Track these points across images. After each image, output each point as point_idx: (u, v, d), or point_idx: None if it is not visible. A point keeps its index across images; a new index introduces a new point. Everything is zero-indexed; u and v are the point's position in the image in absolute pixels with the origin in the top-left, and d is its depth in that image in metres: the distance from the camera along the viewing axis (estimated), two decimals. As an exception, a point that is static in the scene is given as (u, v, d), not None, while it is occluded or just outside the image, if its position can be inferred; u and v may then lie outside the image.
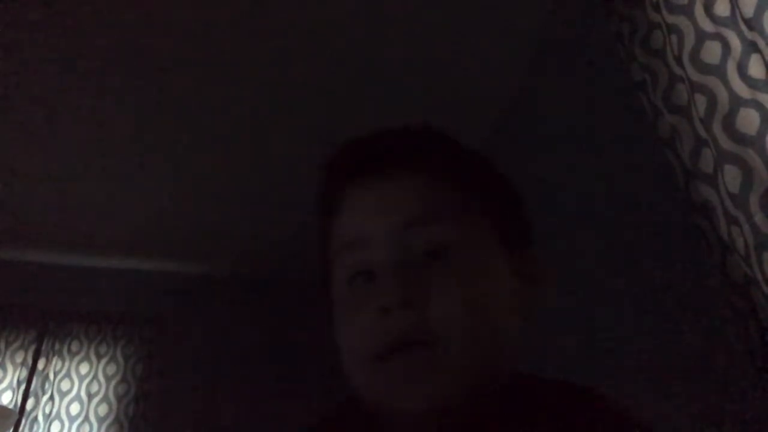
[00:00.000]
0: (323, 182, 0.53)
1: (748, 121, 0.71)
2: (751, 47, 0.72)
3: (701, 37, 0.79)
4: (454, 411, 0.43)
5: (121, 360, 2.93)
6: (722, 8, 0.77)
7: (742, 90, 0.73)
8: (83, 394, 2.83)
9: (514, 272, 0.49)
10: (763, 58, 0.71)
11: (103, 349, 2.95)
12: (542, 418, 0.44)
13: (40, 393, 2.80)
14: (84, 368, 2.90)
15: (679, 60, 0.83)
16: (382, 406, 0.45)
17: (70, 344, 2.94)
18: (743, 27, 0.73)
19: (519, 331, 0.48)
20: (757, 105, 0.71)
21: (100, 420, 2.78)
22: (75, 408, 2.80)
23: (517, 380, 0.47)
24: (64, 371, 2.87)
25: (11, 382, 2.81)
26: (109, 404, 2.81)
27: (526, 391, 0.47)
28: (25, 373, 2.83)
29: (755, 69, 0.72)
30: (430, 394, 0.42)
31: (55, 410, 2.78)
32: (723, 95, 0.75)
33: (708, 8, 0.79)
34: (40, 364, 2.86)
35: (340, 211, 0.51)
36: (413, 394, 0.42)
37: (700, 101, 0.78)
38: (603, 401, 0.46)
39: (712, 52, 0.78)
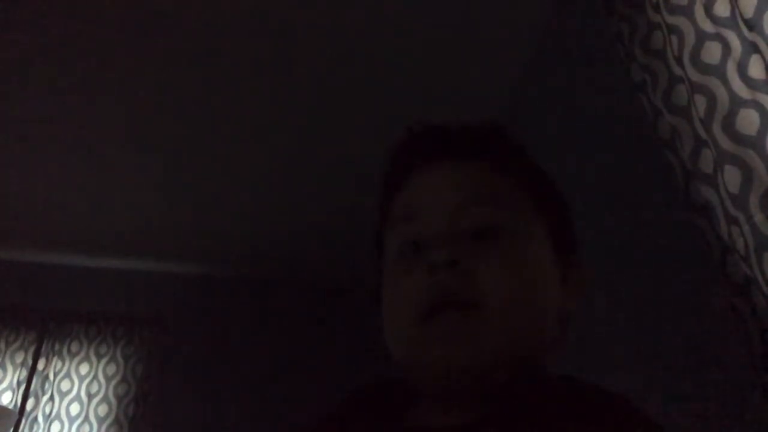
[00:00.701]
0: (390, 161, 0.57)
1: (748, 121, 0.71)
2: (751, 48, 0.72)
3: (701, 37, 0.79)
4: (491, 376, 0.44)
5: (121, 360, 2.93)
6: (722, 9, 0.77)
7: (742, 90, 0.73)
8: (83, 394, 2.83)
9: (558, 271, 0.51)
10: (763, 58, 0.71)
11: (103, 349, 2.95)
12: (570, 415, 0.44)
13: (40, 393, 2.80)
14: (84, 368, 2.90)
15: (679, 60, 0.83)
16: (421, 362, 0.46)
17: (70, 344, 2.94)
18: (743, 27, 0.74)
19: (555, 323, 0.50)
20: (757, 105, 0.71)
21: (100, 420, 2.78)
22: (75, 408, 2.80)
23: (551, 377, 0.48)
24: (64, 371, 2.87)
25: (11, 382, 2.81)
26: (109, 404, 2.81)
27: (558, 387, 0.47)
28: (25, 373, 2.83)
29: (755, 69, 0.72)
30: (471, 353, 0.43)
31: (55, 410, 2.78)
32: (723, 96, 0.75)
33: (708, 9, 0.79)
34: (40, 365, 2.86)
35: (402, 188, 0.54)
36: (454, 351, 0.44)
37: (700, 102, 0.78)
38: (633, 413, 0.45)
39: (712, 52, 0.78)
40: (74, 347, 2.94)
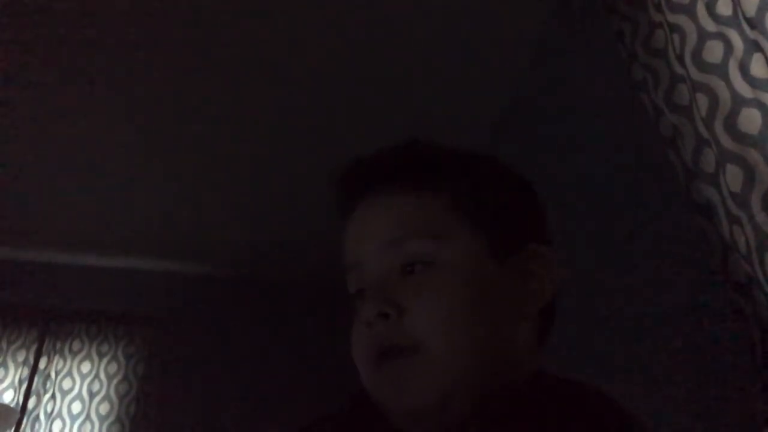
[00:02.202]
0: (331, 205, 0.58)
1: (750, 120, 0.71)
2: (753, 46, 0.72)
3: (703, 36, 0.79)
4: (442, 411, 0.45)
5: (122, 359, 2.93)
6: (724, 7, 0.77)
7: (744, 89, 0.73)
8: (85, 393, 2.83)
9: (509, 277, 0.50)
10: (765, 57, 0.71)
11: (104, 348, 2.95)
12: (547, 420, 0.45)
13: (41, 392, 2.81)
14: (85, 367, 2.90)
15: (680, 59, 0.83)
16: (380, 404, 0.48)
17: (71, 343, 2.94)
18: (745, 26, 0.73)
19: (522, 336, 0.50)
20: (759, 104, 0.70)
21: (102, 419, 2.78)
22: (76, 407, 2.80)
23: (530, 383, 0.48)
24: (65, 370, 2.88)
25: (13, 380, 2.82)
26: (111, 403, 2.82)
27: (534, 394, 0.47)
28: (26, 372, 2.83)
29: (757, 68, 0.71)
30: (421, 397, 0.45)
31: (56, 409, 2.78)
32: (725, 95, 0.75)
33: (710, 7, 0.78)
34: (42, 363, 2.87)
35: (344, 233, 0.55)
36: (400, 395, 0.45)
37: (702, 101, 0.78)
38: (606, 403, 0.47)
39: (714, 51, 0.77)
40: (76, 346, 2.94)
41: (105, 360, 2.92)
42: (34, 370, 2.84)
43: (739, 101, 0.73)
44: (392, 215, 0.51)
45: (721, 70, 0.76)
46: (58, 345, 2.93)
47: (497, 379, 0.47)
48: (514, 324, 0.50)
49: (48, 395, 2.81)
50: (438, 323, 0.46)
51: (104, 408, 2.81)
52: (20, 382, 2.81)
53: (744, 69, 0.73)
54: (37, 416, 2.76)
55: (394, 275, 0.49)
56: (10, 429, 2.52)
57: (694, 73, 0.79)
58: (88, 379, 2.87)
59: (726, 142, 0.74)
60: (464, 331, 0.46)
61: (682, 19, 0.83)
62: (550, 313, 0.53)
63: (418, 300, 0.47)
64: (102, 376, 2.88)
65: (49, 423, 2.75)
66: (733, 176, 0.72)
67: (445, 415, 0.45)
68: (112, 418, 2.79)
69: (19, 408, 2.73)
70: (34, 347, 2.89)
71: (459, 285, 0.48)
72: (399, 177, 0.52)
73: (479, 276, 0.49)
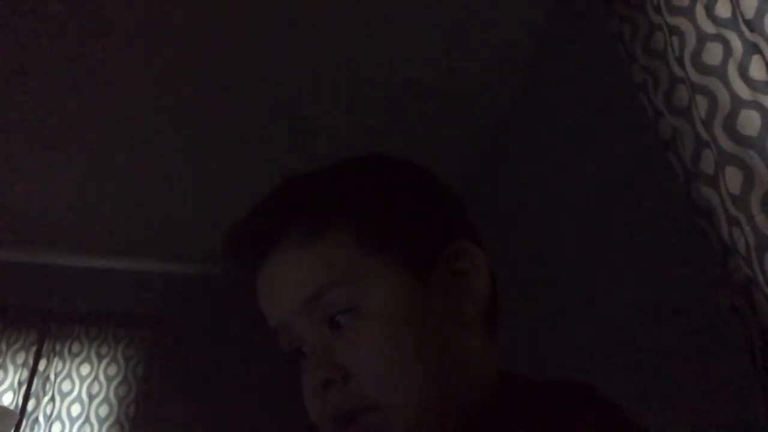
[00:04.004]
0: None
1: (749, 122, 0.71)
2: (752, 48, 0.73)
3: (702, 38, 0.80)
4: None
5: (122, 361, 2.93)
6: (723, 10, 0.77)
7: (743, 91, 0.73)
8: (84, 395, 2.83)
9: (437, 292, 0.48)
10: (764, 59, 0.71)
11: (104, 350, 2.95)
12: (530, 422, 0.44)
13: (41, 394, 2.81)
14: (85, 369, 2.90)
15: (680, 61, 0.83)
16: None
17: (71, 345, 2.94)
18: (744, 28, 0.74)
19: (471, 343, 0.48)
20: (758, 106, 0.71)
21: (101, 421, 2.78)
22: (76, 409, 2.80)
23: (500, 393, 0.47)
24: (65, 372, 2.87)
25: (12, 383, 2.81)
26: (110, 405, 2.81)
27: (509, 402, 0.46)
28: (26, 374, 2.83)
29: (756, 70, 0.72)
30: None
31: (56, 411, 2.78)
32: (724, 96, 0.75)
33: (709, 10, 0.79)
34: (41, 365, 2.86)
35: (259, 302, 0.52)
36: None
37: (701, 102, 0.78)
38: (595, 399, 0.46)
39: (713, 53, 0.78)
40: (75, 348, 2.94)
41: (104, 362, 2.92)
42: (33, 372, 2.83)
43: (738, 103, 0.73)
44: (299, 272, 0.47)
45: (721, 72, 0.76)
46: (58, 347, 2.92)
47: (464, 399, 0.46)
48: (459, 337, 0.47)
49: (47, 397, 2.80)
50: (385, 379, 0.44)
51: (104, 410, 2.80)
52: (20, 384, 2.80)
53: (743, 71, 0.73)
54: (37, 418, 2.75)
55: (325, 333, 0.46)
56: (10, 431, 2.52)
57: (694, 75, 0.80)
58: (88, 381, 2.87)
59: (725, 143, 0.74)
60: (414, 375, 0.44)
61: (681, 21, 0.83)
62: (492, 303, 0.50)
63: (358, 360, 0.44)
64: (101, 377, 2.87)
65: (48, 425, 2.74)
66: (732, 178, 0.73)
67: None
68: (111, 420, 2.78)
69: (18, 410, 2.72)
70: (33, 349, 2.88)
71: (392, 329, 0.45)
72: (291, 230, 0.48)
73: (408, 308, 0.46)
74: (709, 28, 0.79)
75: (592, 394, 0.46)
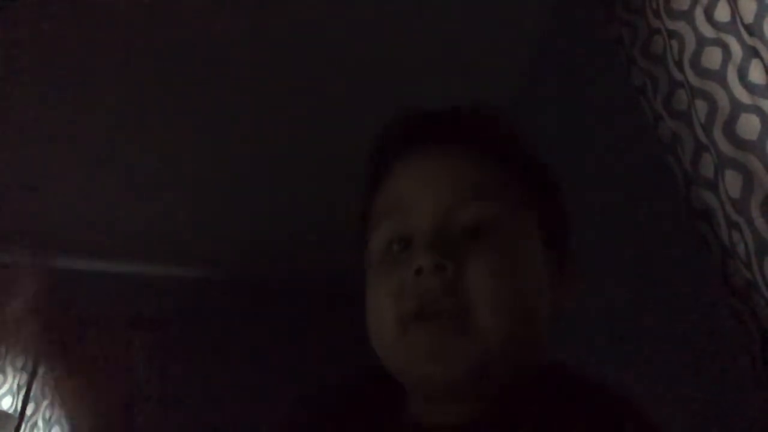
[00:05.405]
0: (374, 149, 0.55)
1: (749, 126, 0.72)
2: (752, 52, 0.73)
3: (702, 42, 0.80)
4: (481, 386, 0.43)
5: (121, 364, 2.92)
6: (722, 14, 0.78)
7: (742, 95, 0.73)
8: (83, 398, 2.82)
9: (550, 269, 0.49)
10: (763, 63, 0.71)
11: (103, 352, 2.94)
12: (570, 417, 0.43)
13: (40, 398, 2.80)
14: (84, 372, 2.89)
15: (679, 65, 0.83)
16: (403, 372, 0.45)
17: (70, 348, 2.93)
18: (743, 32, 0.74)
19: (548, 322, 0.48)
20: (758, 110, 0.71)
21: (101, 424, 2.77)
22: (75, 412, 2.79)
23: (549, 372, 0.47)
24: (64, 375, 2.86)
25: (11, 386, 2.80)
26: (110, 408, 2.80)
27: (556, 386, 0.46)
28: (25, 377, 2.82)
29: (755, 74, 0.72)
30: (453, 372, 0.42)
31: (55, 415, 2.77)
32: (723, 100, 0.75)
33: (708, 14, 0.79)
34: (41, 369, 2.85)
35: (390, 177, 0.50)
36: (435, 369, 0.42)
37: (701, 106, 0.78)
38: (634, 415, 0.45)
39: (712, 57, 0.78)
40: (74, 351, 2.93)
41: (104, 365, 2.91)
42: (32, 376, 2.83)
43: (737, 107, 0.73)
44: (464, 168, 0.48)
45: (720, 76, 0.77)
46: (57, 350, 2.91)
47: (528, 360, 0.46)
48: (546, 318, 0.48)
49: (46, 401, 2.79)
50: (494, 292, 0.42)
51: (103, 413, 2.79)
52: (19, 388, 2.80)
53: (742, 75, 0.73)
54: (36, 422, 2.74)
55: (456, 235, 0.45)
56: (9, 435, 2.51)
57: (693, 79, 0.80)
58: (87, 384, 2.86)
59: (725, 147, 0.74)
60: (516, 304, 0.44)
61: (680, 25, 0.83)
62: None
63: (480, 263, 0.43)
64: (101, 380, 2.86)
65: (47, 429, 2.73)
66: (732, 182, 0.73)
67: (476, 389, 0.43)
68: (111, 423, 2.77)
69: (17, 414, 2.71)
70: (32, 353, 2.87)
71: (520, 261, 0.46)
72: (466, 137, 0.50)
73: (534, 257, 0.48)
74: (709, 32, 0.79)
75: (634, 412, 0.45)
